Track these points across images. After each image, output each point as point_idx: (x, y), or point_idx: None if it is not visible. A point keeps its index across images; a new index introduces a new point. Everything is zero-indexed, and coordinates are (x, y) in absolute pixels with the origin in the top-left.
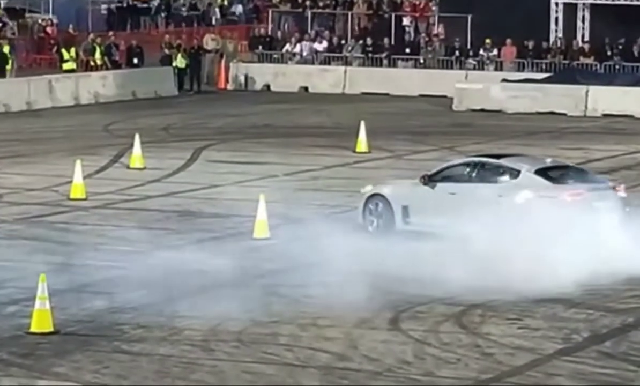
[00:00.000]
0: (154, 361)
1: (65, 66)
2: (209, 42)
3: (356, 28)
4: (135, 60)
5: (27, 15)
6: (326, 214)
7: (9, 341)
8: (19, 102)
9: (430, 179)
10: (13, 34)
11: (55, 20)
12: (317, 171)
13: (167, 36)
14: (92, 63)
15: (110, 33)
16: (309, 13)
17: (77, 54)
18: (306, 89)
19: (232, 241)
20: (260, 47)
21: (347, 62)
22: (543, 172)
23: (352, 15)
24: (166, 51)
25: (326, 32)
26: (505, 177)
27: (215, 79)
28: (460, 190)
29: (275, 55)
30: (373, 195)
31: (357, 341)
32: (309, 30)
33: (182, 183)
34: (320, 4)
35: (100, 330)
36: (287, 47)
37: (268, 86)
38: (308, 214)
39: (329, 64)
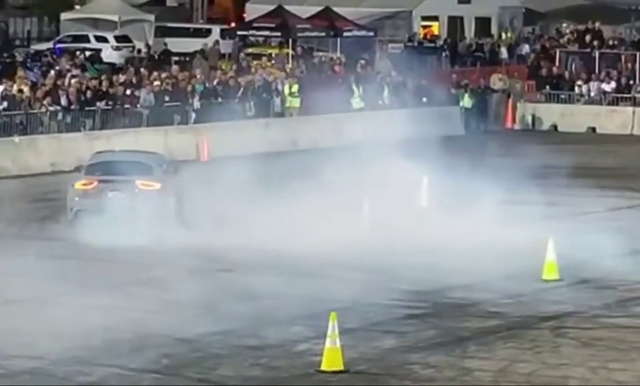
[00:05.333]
0: None
1: (355, 104)
2: (496, 81)
3: None
4: (424, 99)
5: (314, 53)
6: (614, 257)
7: (300, 379)
8: (306, 139)
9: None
10: (302, 72)
11: (343, 59)
12: (601, 213)
13: (453, 75)
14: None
15: (394, 72)
16: (596, 53)
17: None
18: (594, 129)
19: (521, 281)
20: (547, 87)
21: (635, 102)
22: (94, 164)
23: None
24: (452, 91)
25: (614, 72)
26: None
27: (502, 118)
28: None
29: (562, 96)
30: None
31: None
32: (597, 71)
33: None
34: (609, 43)
35: (390, 369)
36: (575, 87)
37: (555, 126)
38: (596, 257)
39: (617, 104)
